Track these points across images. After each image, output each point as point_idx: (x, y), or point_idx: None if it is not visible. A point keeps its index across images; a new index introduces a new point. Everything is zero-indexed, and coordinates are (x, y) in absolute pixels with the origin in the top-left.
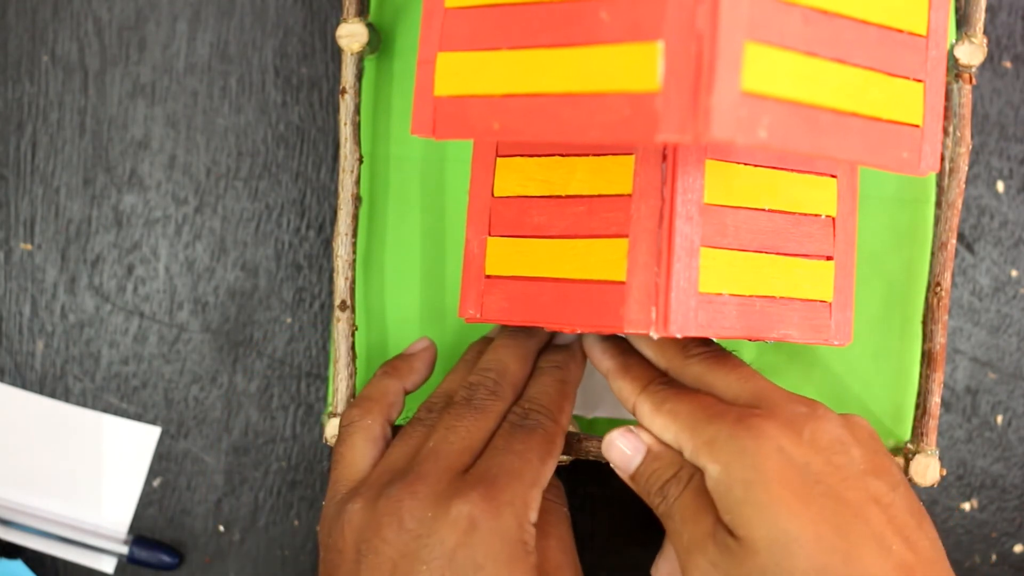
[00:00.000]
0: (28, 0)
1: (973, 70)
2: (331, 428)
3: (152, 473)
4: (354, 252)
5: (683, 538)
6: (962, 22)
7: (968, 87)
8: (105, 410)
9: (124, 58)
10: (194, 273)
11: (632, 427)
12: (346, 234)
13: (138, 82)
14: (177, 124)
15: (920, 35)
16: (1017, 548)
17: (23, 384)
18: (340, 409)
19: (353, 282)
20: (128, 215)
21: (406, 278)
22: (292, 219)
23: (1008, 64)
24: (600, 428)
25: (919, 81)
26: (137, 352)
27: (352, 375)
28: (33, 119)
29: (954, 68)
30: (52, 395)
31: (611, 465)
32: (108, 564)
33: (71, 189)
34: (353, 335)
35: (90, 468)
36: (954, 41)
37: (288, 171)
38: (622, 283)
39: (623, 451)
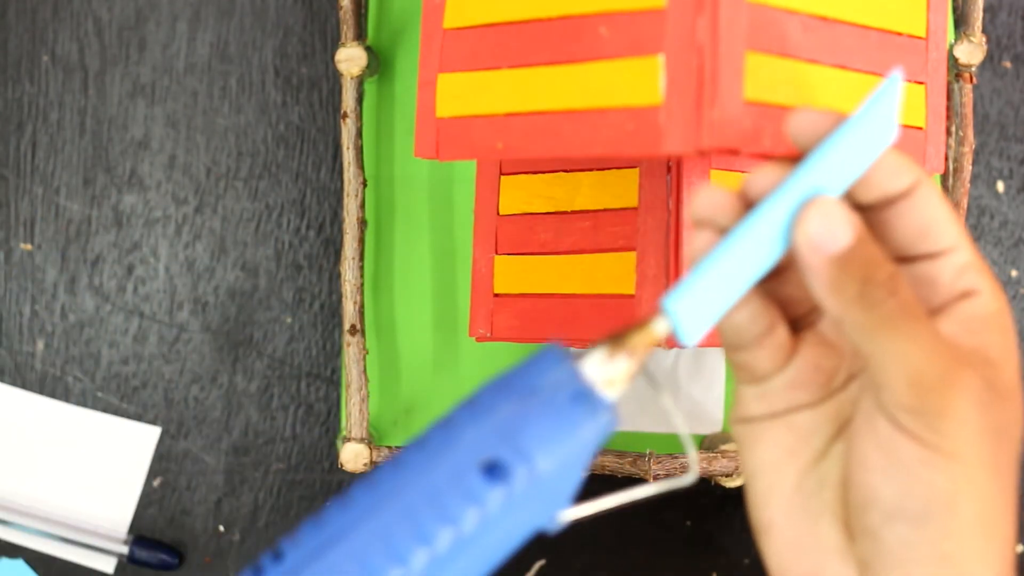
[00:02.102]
0: (28, 0)
1: (973, 69)
2: (346, 453)
3: (152, 473)
4: (362, 276)
5: (920, 360)
6: (960, 21)
7: (969, 86)
8: (105, 410)
9: (124, 58)
10: (194, 273)
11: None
12: (353, 258)
13: (138, 82)
14: (177, 124)
15: (919, 37)
16: (1017, 548)
17: (23, 384)
18: (355, 434)
19: (362, 306)
20: (128, 215)
21: (417, 299)
22: (292, 219)
23: (1008, 64)
24: (617, 442)
25: (920, 83)
26: (137, 352)
27: (365, 399)
28: (33, 119)
29: (954, 68)
30: (52, 395)
31: (797, 248)
32: (108, 564)
33: (71, 189)
34: (364, 359)
35: (90, 468)
36: (953, 41)
37: (288, 171)
38: (631, 296)
39: (827, 224)
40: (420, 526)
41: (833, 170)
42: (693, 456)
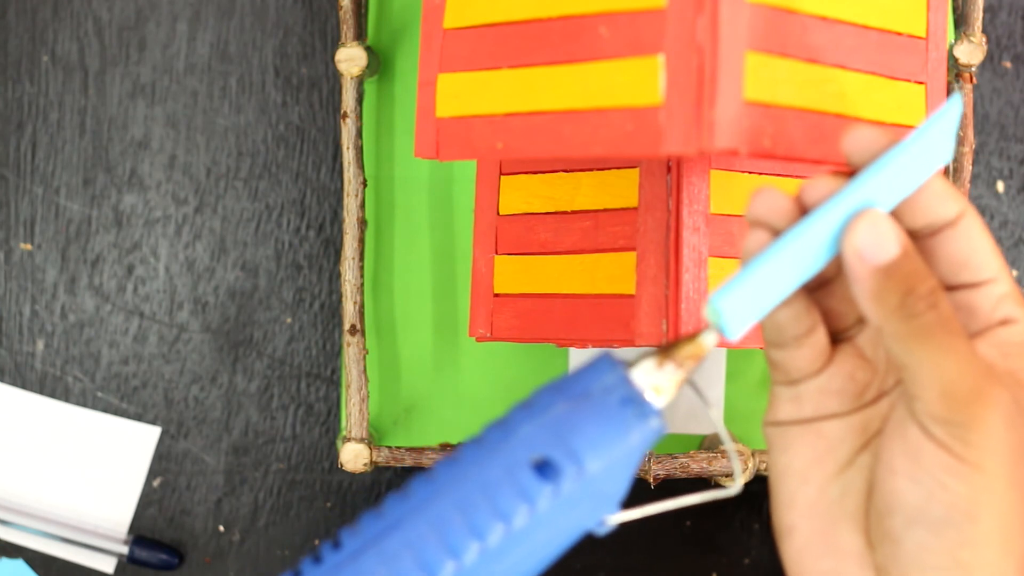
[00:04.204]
0: (28, 0)
1: (973, 69)
2: (346, 453)
3: (152, 473)
4: (362, 276)
5: (954, 372)
6: (960, 21)
7: (969, 86)
8: (105, 410)
9: (124, 58)
10: (194, 273)
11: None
12: (353, 258)
13: (138, 82)
14: (177, 124)
15: (920, 37)
16: None
17: (23, 384)
18: (355, 434)
19: (362, 306)
20: (128, 215)
21: (417, 299)
22: (292, 219)
23: (1008, 64)
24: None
25: (920, 83)
26: (137, 352)
27: (365, 399)
28: (33, 119)
29: (954, 68)
30: (52, 395)
31: (845, 256)
32: (108, 564)
33: (71, 189)
34: (364, 359)
35: (90, 468)
36: (953, 41)
37: (288, 171)
38: (631, 296)
39: (875, 236)
40: (473, 518)
41: (886, 186)
42: (737, 467)
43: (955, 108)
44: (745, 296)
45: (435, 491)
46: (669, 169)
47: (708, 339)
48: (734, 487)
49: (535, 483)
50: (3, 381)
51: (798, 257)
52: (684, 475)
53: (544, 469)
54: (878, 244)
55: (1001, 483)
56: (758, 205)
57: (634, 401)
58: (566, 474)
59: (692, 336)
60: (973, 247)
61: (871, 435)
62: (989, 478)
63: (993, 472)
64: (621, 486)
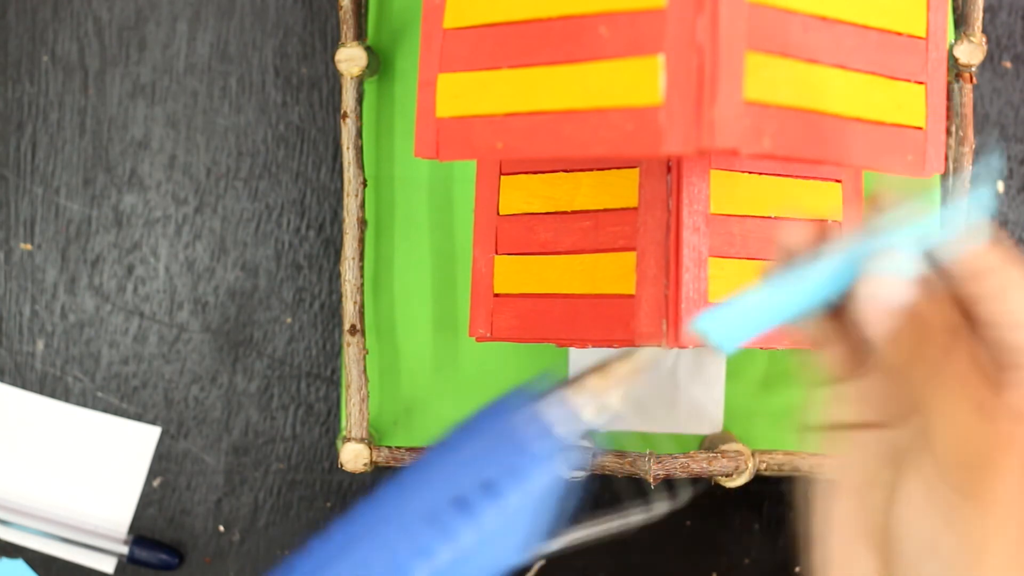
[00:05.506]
0: (28, 0)
1: (973, 69)
2: (346, 453)
3: (152, 473)
4: (362, 276)
5: (967, 424)
6: (960, 21)
7: (969, 86)
8: (105, 410)
9: (124, 58)
10: (194, 273)
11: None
12: (353, 258)
13: (138, 82)
14: (177, 124)
15: (920, 37)
16: None
17: (23, 384)
18: (355, 434)
19: (362, 306)
20: (128, 215)
21: (417, 299)
22: (292, 219)
23: (1008, 64)
24: (616, 443)
25: (920, 83)
26: (137, 352)
27: (365, 399)
28: (33, 119)
29: (954, 68)
30: (52, 395)
31: (858, 296)
32: (108, 564)
33: (71, 189)
34: (364, 359)
35: (90, 468)
36: (953, 41)
37: (288, 171)
38: (631, 296)
39: (890, 280)
40: (395, 559)
41: (909, 238)
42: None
43: (993, 170)
44: (731, 320)
45: (356, 535)
46: (669, 169)
47: (643, 356)
48: (653, 513)
49: (456, 521)
50: (3, 381)
51: (796, 290)
52: (684, 475)
53: (463, 507)
54: (893, 287)
55: (1012, 522)
56: (787, 237)
57: (548, 435)
58: (486, 510)
59: (625, 355)
60: (1007, 294)
61: (897, 453)
62: (1000, 518)
63: (1005, 512)
64: (543, 516)
